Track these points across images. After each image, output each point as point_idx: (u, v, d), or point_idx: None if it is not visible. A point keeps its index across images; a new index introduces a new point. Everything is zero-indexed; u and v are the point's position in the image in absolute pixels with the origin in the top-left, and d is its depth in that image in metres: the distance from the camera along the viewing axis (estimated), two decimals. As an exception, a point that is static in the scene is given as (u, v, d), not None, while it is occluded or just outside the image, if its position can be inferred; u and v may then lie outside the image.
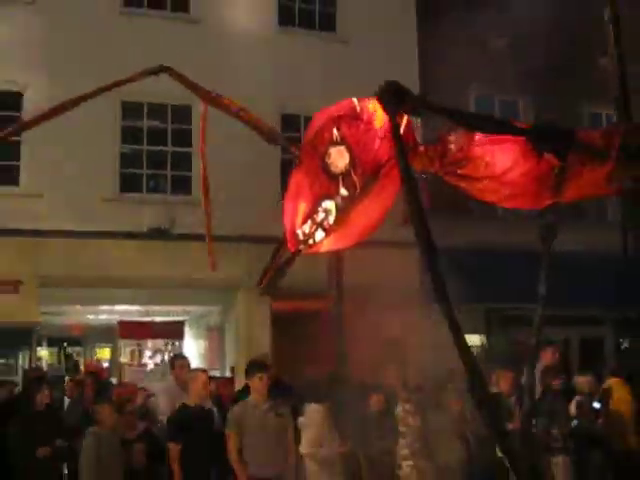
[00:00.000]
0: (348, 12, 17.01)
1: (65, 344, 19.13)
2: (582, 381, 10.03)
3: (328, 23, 17.54)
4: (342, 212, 4.51)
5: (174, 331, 17.01)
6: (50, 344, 19.27)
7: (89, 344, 19.95)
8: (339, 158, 4.48)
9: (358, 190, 4.46)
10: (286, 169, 16.12)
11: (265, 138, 4.82)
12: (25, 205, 13.97)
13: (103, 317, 17.76)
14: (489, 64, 15.19)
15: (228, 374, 15.44)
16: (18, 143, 14.58)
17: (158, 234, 14.76)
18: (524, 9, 14.41)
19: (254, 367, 8.64)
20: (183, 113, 15.19)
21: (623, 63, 4.70)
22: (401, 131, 4.30)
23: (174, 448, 8.25)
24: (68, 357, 19.40)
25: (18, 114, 14.68)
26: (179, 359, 10.79)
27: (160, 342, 17.52)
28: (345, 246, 4.98)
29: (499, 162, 4.56)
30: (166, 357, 17.18)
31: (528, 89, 17.52)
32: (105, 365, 19.43)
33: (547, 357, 10.47)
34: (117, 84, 4.54)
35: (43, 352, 17.61)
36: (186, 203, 15.15)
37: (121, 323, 16.60)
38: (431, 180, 5.17)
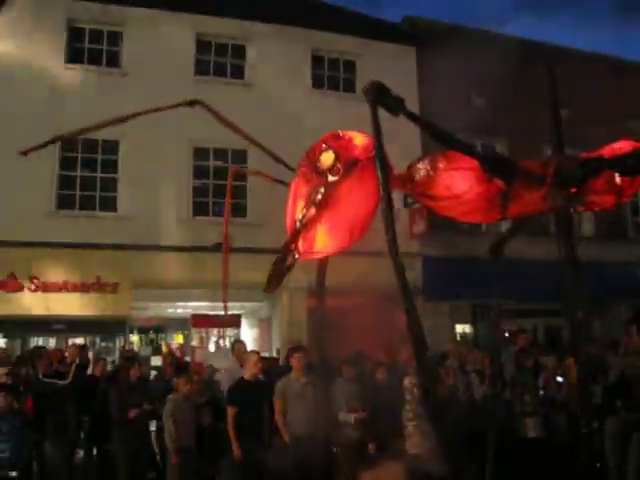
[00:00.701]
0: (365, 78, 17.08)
1: (150, 332, 19.20)
2: (548, 360, 9.97)
3: (350, 86, 17.71)
4: (329, 189, 4.36)
5: (233, 322, 17.06)
6: (139, 332, 19.38)
7: (168, 331, 20.02)
8: (326, 158, 4.42)
9: (342, 172, 4.36)
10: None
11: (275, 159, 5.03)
12: (122, 226, 14.18)
13: (179, 311, 17.88)
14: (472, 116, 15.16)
15: (275, 355, 15.50)
16: (115, 180, 14.83)
17: (221, 248, 14.84)
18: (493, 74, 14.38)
19: (294, 350, 8.74)
20: (240, 155, 15.31)
21: (557, 109, 4.78)
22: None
23: (231, 411, 8.30)
24: (152, 342, 19.47)
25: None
26: (238, 343, 10.86)
27: (223, 330, 17.64)
28: (340, 245, 4.61)
29: (458, 185, 4.59)
30: (227, 342, 17.29)
31: (503, 135, 17.59)
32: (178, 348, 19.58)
33: (521, 341, 10.46)
34: (155, 110, 4.68)
35: (134, 338, 17.74)
36: (241, 224, 15.30)
37: (193, 316, 16.71)
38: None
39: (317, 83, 17.49)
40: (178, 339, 20.90)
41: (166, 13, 15.70)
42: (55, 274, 14.17)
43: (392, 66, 16.50)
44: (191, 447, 8.51)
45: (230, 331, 17.98)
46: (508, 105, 16.24)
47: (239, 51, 16.84)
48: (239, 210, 15.87)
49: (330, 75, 17.79)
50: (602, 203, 4.79)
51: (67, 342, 15.16)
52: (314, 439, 7.96)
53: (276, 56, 16.38)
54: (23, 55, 14.39)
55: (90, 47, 15.87)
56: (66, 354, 10.92)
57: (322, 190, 4.37)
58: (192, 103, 4.70)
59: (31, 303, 14.07)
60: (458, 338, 17.25)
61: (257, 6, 16.58)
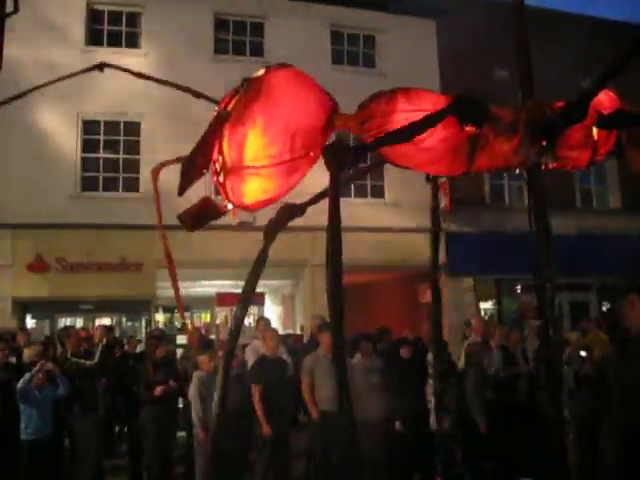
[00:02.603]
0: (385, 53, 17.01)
1: (175, 310, 19.36)
2: (571, 335, 9.91)
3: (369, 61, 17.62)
4: (259, 75, 3.75)
5: (257, 299, 17.15)
6: (164, 311, 19.55)
7: (193, 310, 20.16)
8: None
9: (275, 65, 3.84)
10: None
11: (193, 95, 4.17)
12: (145, 207, 14.22)
13: (204, 290, 18.00)
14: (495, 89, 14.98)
15: (298, 332, 15.60)
16: (138, 162, 14.91)
17: (244, 227, 14.91)
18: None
19: (323, 326, 8.74)
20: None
21: (526, 48, 4.39)
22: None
23: (256, 389, 8.35)
24: (177, 320, 19.61)
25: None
26: (261, 320, 10.90)
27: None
28: (277, 156, 3.78)
29: None
30: (252, 320, 17.39)
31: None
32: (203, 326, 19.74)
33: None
34: (58, 80, 4.33)
35: (159, 317, 17.89)
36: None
37: (218, 294, 16.83)
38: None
39: (337, 59, 17.38)
40: (203, 318, 21.07)
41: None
42: (81, 255, 14.33)
43: (412, 39, 16.37)
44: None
45: (254, 309, 18.08)
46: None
47: (258, 29, 16.77)
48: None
49: (350, 51, 17.67)
50: (575, 160, 4.37)
51: (94, 322, 15.37)
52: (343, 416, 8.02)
53: (295, 33, 16.29)
54: (43, 39, 14.45)
55: (109, 29, 15.91)
56: (93, 333, 11.08)
57: (248, 80, 3.75)
58: (100, 67, 4.46)
59: (58, 284, 14.25)
60: (482, 314, 17.23)
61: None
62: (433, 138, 3.90)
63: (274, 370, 8.49)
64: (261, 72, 3.79)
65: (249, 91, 3.71)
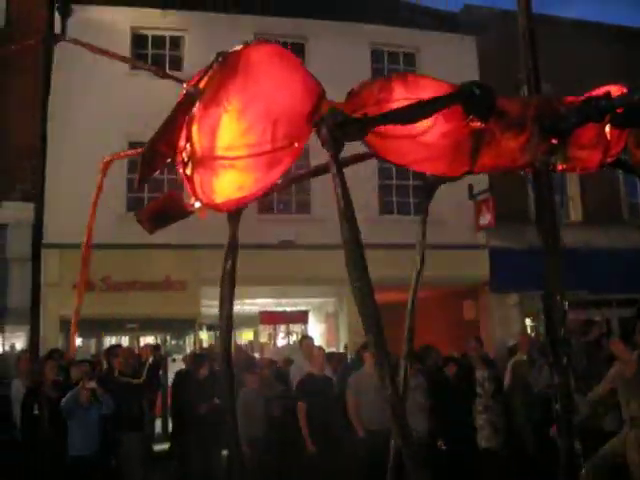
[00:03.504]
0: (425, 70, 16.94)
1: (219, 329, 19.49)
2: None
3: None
4: (237, 50, 3.22)
5: (300, 318, 17.20)
6: (208, 329, 19.67)
7: (237, 329, 20.23)
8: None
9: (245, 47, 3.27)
10: (383, 192, 16.22)
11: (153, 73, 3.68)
12: (189, 226, 14.38)
13: (247, 308, 18.07)
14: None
15: (342, 350, 15.54)
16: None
17: (286, 245, 15.01)
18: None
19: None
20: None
21: (532, 37, 3.88)
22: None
23: (301, 406, 8.35)
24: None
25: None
26: (306, 339, 10.92)
27: (290, 326, 17.79)
28: (256, 146, 3.24)
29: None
30: (295, 338, 17.43)
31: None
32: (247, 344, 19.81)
33: (595, 332, 10.25)
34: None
35: (203, 335, 18.01)
36: (306, 220, 15.43)
37: (262, 312, 16.89)
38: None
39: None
40: (247, 336, 21.15)
41: (224, 16, 15.86)
42: (126, 274, 14.53)
43: (452, 56, 16.32)
44: (262, 439, 8.62)
45: (297, 327, 18.10)
46: (573, 90, 15.85)
47: (298, 49, 16.90)
48: (303, 206, 15.97)
49: (390, 69, 17.69)
50: (585, 161, 3.93)
51: (139, 341, 15.54)
52: (387, 434, 7.95)
53: (335, 53, 16.37)
54: (90, 62, 14.78)
55: (153, 52, 16.20)
56: (140, 352, 11.21)
57: (224, 54, 3.20)
58: (55, 39, 3.98)
59: (104, 303, 14.43)
60: (528, 330, 16.98)
61: (315, 4, 16.64)
62: (433, 132, 3.47)
63: (320, 388, 8.48)
64: (239, 47, 3.26)
65: (224, 67, 3.18)
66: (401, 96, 3.39)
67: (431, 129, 3.44)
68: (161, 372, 12.15)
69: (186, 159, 3.21)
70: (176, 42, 16.26)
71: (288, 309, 17.08)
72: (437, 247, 15.69)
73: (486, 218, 16.08)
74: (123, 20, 15.80)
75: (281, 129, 3.24)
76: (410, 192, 16.68)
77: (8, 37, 14.06)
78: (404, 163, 3.81)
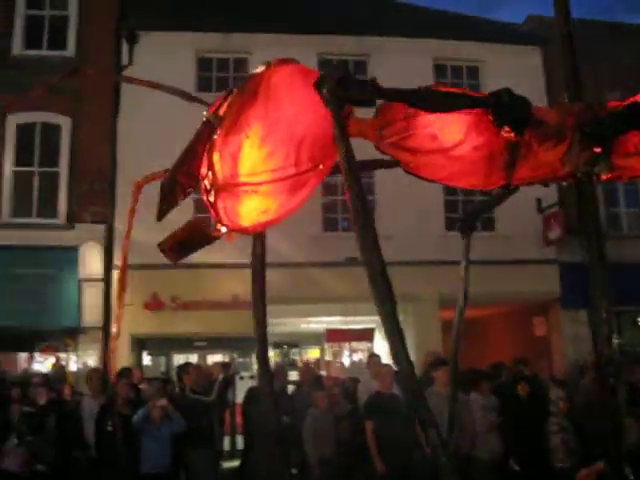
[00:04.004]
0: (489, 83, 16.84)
1: (285, 346, 19.55)
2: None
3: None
4: (257, 72, 3.16)
5: (366, 335, 17.15)
6: (274, 347, 19.80)
7: (302, 346, 20.32)
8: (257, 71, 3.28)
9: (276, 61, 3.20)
10: (448, 208, 16.12)
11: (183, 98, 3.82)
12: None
13: (313, 326, 18.14)
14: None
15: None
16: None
17: (351, 262, 15.02)
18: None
19: (439, 362, 8.63)
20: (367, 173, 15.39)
21: (570, 41, 3.57)
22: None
23: (369, 425, 8.33)
24: (286, 356, 19.81)
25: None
26: (373, 357, 10.90)
27: (356, 344, 17.75)
28: (279, 170, 3.17)
29: (449, 135, 3.31)
30: (361, 355, 17.38)
31: None
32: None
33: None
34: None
35: (269, 353, 18.15)
36: (372, 238, 15.46)
37: (328, 330, 16.92)
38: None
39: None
40: (312, 353, 21.20)
41: (287, 36, 16.07)
42: (194, 293, 14.78)
43: (517, 68, 16.14)
44: (332, 459, 8.62)
45: (363, 345, 18.04)
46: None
47: (361, 66, 17.00)
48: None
49: (454, 83, 17.62)
50: (633, 169, 3.64)
51: (206, 359, 15.76)
52: (459, 453, 7.88)
53: (399, 68, 16.38)
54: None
55: (218, 75, 16.52)
56: (210, 370, 11.38)
57: (244, 79, 3.12)
58: (75, 72, 3.97)
59: (173, 322, 14.73)
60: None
61: (377, 21, 16.72)
62: (465, 146, 3.32)
63: (388, 406, 8.45)
64: (259, 69, 3.21)
65: (244, 92, 3.15)
66: None
67: (462, 143, 3.31)
68: (230, 389, 12.28)
69: (208, 187, 3.20)
70: (241, 64, 16.55)
71: (354, 327, 17.07)
72: (505, 263, 15.57)
73: (555, 232, 15.76)
74: (188, 44, 16.20)
75: (305, 151, 3.17)
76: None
77: (79, 65, 14.57)
78: (437, 179, 3.68)
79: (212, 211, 3.29)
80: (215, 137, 3.14)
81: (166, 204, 3.29)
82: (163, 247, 3.66)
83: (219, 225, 3.37)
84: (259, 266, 3.73)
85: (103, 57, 15.20)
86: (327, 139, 3.05)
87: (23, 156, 15.30)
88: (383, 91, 3.04)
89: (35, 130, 15.40)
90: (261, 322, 3.82)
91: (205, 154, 3.17)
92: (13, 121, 15.28)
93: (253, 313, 3.82)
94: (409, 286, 14.74)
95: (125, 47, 15.77)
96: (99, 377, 9.86)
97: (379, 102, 3.26)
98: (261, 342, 3.88)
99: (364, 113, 3.29)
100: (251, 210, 3.30)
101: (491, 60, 17.23)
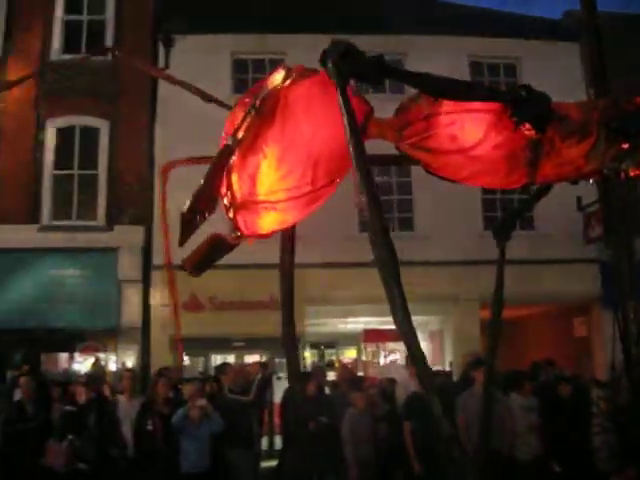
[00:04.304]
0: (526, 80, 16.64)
1: (322, 347, 19.59)
2: None
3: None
4: (275, 92, 3.15)
5: (405, 336, 17.10)
6: (312, 347, 19.85)
7: (339, 347, 20.35)
8: (276, 77, 3.29)
9: (295, 75, 3.16)
10: (486, 207, 16.01)
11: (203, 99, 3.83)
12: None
13: (350, 326, 18.14)
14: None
15: (447, 368, 15.36)
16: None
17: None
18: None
19: (479, 362, 8.58)
20: (403, 169, 15.35)
21: (598, 35, 3.64)
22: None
23: (407, 426, 8.31)
24: (323, 357, 19.86)
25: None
26: (411, 357, 10.85)
27: (393, 344, 17.70)
28: (295, 189, 3.24)
29: (468, 134, 3.29)
30: (398, 356, 17.33)
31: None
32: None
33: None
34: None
35: (307, 353, 18.17)
36: (409, 237, 15.39)
37: (365, 331, 16.91)
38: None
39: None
40: (349, 354, 21.20)
41: (323, 36, 16.02)
42: (232, 294, 14.88)
43: (555, 65, 15.97)
44: (370, 460, 8.61)
45: (401, 345, 18.00)
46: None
47: (396, 65, 16.92)
48: (406, 223, 15.97)
49: (491, 81, 17.47)
50: None
51: (244, 359, 15.85)
52: (499, 455, 7.82)
53: (434, 67, 16.26)
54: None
55: (254, 77, 16.60)
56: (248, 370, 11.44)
57: (265, 93, 3.12)
58: (106, 51, 3.98)
59: (211, 322, 14.84)
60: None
61: (412, 19, 16.65)
62: (485, 145, 3.28)
63: (426, 407, 8.40)
64: (277, 82, 3.21)
65: (262, 114, 3.16)
66: (449, 109, 3.28)
67: (482, 142, 3.28)
68: (268, 389, 12.32)
69: (228, 204, 3.32)
70: (277, 65, 16.61)
71: (392, 327, 17.04)
72: (545, 262, 15.40)
73: (596, 230, 15.53)
74: (223, 46, 16.32)
75: (322, 168, 3.21)
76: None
77: (117, 69, 14.76)
78: (458, 179, 3.62)
79: (232, 223, 3.44)
80: (233, 158, 3.21)
81: (187, 231, 3.40)
82: (186, 265, 3.78)
83: (238, 233, 3.51)
84: (288, 266, 4.00)
85: (140, 60, 15.36)
86: (344, 152, 3.00)
87: (63, 159, 15.57)
88: (390, 69, 3.00)
89: (74, 134, 15.65)
90: (288, 325, 4.08)
91: (224, 175, 3.26)
92: (53, 125, 15.55)
93: (283, 317, 4.12)
94: (448, 286, 14.76)
95: (162, 50, 15.95)
96: (132, 377, 9.97)
97: (399, 102, 3.28)
98: (289, 342, 4.20)
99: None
100: (269, 222, 3.44)
101: (528, 57, 17.05)
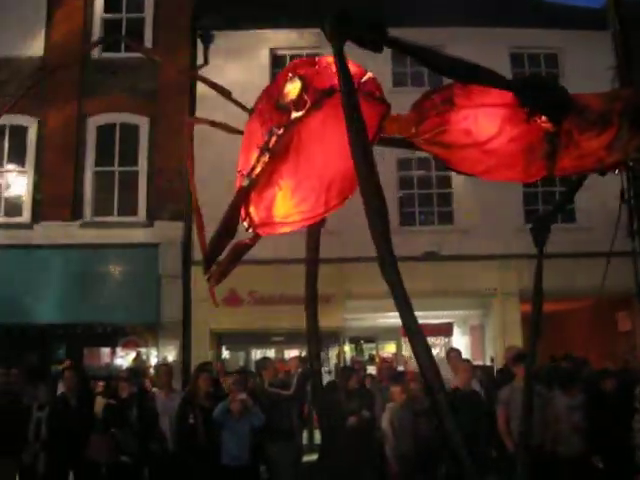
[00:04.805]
0: (568, 70, 16.42)
1: (362, 341, 19.58)
2: None
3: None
4: (291, 128, 3.13)
5: (445, 330, 17.04)
6: (350, 341, 19.87)
7: (379, 341, 20.33)
8: (291, 89, 3.20)
9: (310, 105, 3.10)
10: (527, 200, 15.84)
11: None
12: (332, 240, 14.66)
13: (390, 320, 18.10)
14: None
15: (488, 363, 15.26)
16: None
17: (430, 257, 14.96)
18: None
19: (520, 357, 8.52)
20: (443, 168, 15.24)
21: (623, 26, 3.57)
22: (374, 91, 3.19)
23: (447, 421, 8.29)
24: (362, 351, 19.85)
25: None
26: (453, 351, 10.81)
27: (433, 339, 17.64)
28: (312, 213, 3.43)
29: (483, 129, 3.28)
30: (438, 350, 17.27)
31: None
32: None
33: None
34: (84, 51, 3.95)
35: (346, 348, 18.21)
36: (450, 231, 15.33)
37: (405, 325, 16.86)
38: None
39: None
40: (389, 348, 21.16)
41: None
42: (272, 289, 14.96)
43: (597, 55, 15.70)
44: (410, 455, 8.61)
45: (440, 340, 17.92)
46: None
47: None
48: (445, 217, 15.90)
49: (531, 72, 17.25)
50: None
51: (284, 353, 15.94)
52: (541, 451, 7.78)
53: (474, 58, 16.14)
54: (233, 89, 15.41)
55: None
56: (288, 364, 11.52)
57: (280, 131, 3.13)
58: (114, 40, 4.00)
59: (251, 317, 14.95)
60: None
61: (450, 11, 16.51)
62: (500, 139, 3.26)
63: (467, 402, 8.38)
64: (293, 95, 3.17)
65: (276, 153, 3.19)
66: (462, 104, 3.28)
67: (498, 136, 3.27)
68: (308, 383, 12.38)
69: (247, 226, 3.48)
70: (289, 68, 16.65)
71: (432, 321, 16.98)
72: (587, 255, 15.16)
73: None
74: (262, 42, 16.40)
75: (335, 189, 3.32)
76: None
77: (156, 66, 14.92)
78: (475, 173, 3.63)
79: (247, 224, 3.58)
80: (250, 194, 3.34)
81: (209, 261, 3.77)
82: (209, 278, 3.98)
83: (250, 226, 3.59)
84: (312, 260, 4.15)
85: (179, 57, 15.53)
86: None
87: (103, 156, 15.80)
88: (392, 38, 2.93)
89: (115, 131, 15.88)
90: (313, 320, 4.30)
91: (242, 207, 3.39)
92: (93, 123, 15.80)
93: (306, 314, 4.31)
94: (489, 280, 14.65)
95: (200, 47, 16.07)
96: (169, 372, 10.06)
97: (414, 98, 3.30)
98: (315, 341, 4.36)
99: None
100: (284, 231, 3.68)
101: (570, 47, 16.82)
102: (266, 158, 3.18)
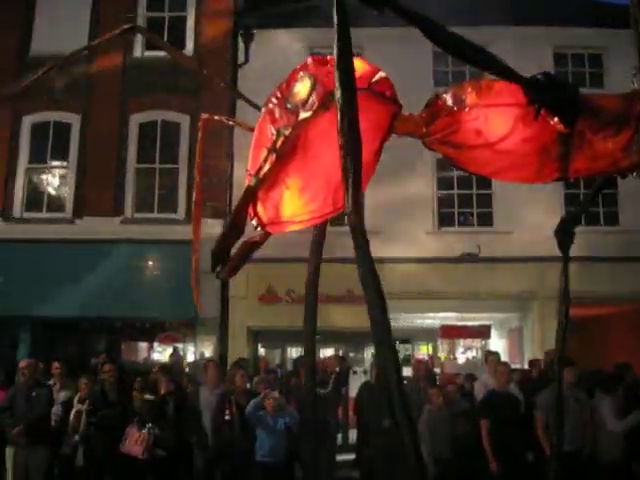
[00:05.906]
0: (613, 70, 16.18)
1: (397, 342, 19.53)
2: None
3: (597, 81, 16.83)
4: (299, 128, 3.10)
5: (482, 332, 16.90)
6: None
7: (414, 342, 20.27)
8: (301, 88, 3.16)
9: (318, 105, 3.05)
10: (569, 202, 15.63)
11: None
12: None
13: (427, 322, 18.04)
14: None
15: (526, 367, 15.11)
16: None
17: (468, 258, 14.86)
18: None
19: (561, 362, 8.45)
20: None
21: None
22: (385, 91, 3.12)
23: (484, 424, 8.25)
24: (398, 352, 19.81)
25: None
26: (491, 354, 10.74)
27: (470, 341, 17.55)
28: (319, 212, 3.39)
29: (494, 128, 3.22)
30: (476, 353, 17.16)
31: None
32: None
33: None
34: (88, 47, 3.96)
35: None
36: (488, 233, 15.22)
37: (442, 326, 16.78)
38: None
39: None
40: (424, 350, 21.07)
41: (400, 29, 15.96)
42: (309, 287, 14.98)
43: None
44: (447, 457, 8.58)
45: (477, 342, 17.80)
46: None
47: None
48: (485, 218, 15.79)
49: (575, 72, 17.04)
50: None
51: (319, 352, 15.97)
52: (579, 455, 7.70)
53: (517, 58, 15.96)
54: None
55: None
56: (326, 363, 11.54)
57: (287, 131, 3.13)
58: (129, 30, 4.09)
59: (287, 315, 14.96)
60: None
61: (492, 10, 16.37)
62: (513, 139, 3.19)
63: (504, 405, 8.33)
64: (302, 95, 3.15)
65: (283, 153, 3.19)
66: (475, 102, 3.22)
67: (510, 136, 3.21)
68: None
69: (255, 225, 3.48)
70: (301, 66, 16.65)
71: (469, 323, 16.87)
72: (630, 259, 14.93)
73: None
74: (301, 40, 16.41)
75: (342, 190, 3.05)
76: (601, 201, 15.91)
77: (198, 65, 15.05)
78: (485, 173, 3.61)
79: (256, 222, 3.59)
80: (257, 194, 3.34)
81: (216, 258, 3.82)
82: (220, 274, 4.06)
83: (258, 224, 3.58)
84: (316, 256, 4.05)
85: (220, 56, 15.65)
86: (368, 166, 3.03)
87: (145, 153, 16.00)
88: (394, 2, 2.74)
89: (156, 128, 16.06)
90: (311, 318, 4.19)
91: (250, 206, 3.40)
92: (135, 120, 16.00)
93: (305, 310, 4.23)
94: (528, 283, 14.49)
95: (241, 45, 16.18)
96: (216, 367, 10.15)
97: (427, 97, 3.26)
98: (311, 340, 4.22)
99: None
100: (296, 229, 3.64)
101: (615, 46, 16.54)
102: (273, 158, 3.18)
